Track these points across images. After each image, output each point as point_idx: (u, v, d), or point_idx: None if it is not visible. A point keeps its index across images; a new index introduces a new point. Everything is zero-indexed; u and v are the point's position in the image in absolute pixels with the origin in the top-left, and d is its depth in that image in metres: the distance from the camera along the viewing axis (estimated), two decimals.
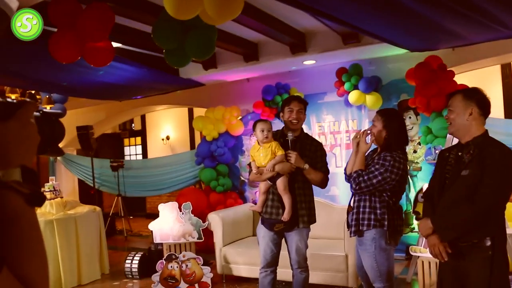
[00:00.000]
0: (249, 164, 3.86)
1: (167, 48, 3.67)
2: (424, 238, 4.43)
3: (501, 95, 7.46)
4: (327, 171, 3.75)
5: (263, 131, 3.64)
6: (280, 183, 3.57)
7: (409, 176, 6.26)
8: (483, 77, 7.19)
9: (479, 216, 2.45)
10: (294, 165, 3.54)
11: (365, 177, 3.16)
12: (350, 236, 3.38)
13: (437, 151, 5.39)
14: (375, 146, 3.45)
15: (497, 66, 7.41)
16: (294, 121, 3.64)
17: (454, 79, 5.68)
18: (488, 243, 2.45)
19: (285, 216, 3.54)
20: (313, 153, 3.70)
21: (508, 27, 4.81)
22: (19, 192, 0.84)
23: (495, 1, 3.94)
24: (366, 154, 3.41)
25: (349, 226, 3.39)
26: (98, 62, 4.03)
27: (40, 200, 0.87)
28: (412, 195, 6.06)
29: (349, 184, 3.40)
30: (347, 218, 3.46)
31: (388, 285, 3.25)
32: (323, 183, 3.73)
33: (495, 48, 5.99)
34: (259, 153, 3.66)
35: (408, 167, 6.16)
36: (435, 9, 4.04)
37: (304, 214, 3.63)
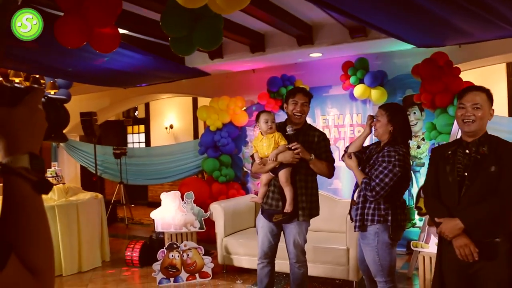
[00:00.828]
0: (252, 156, 3.85)
1: (175, 36, 3.64)
2: (425, 234, 4.44)
3: (505, 94, 7.42)
4: (332, 161, 3.73)
5: (267, 122, 3.63)
6: (282, 174, 3.57)
7: (412, 172, 6.26)
8: (489, 75, 7.15)
9: (507, 211, 2.45)
10: (299, 156, 3.53)
11: (377, 180, 3.13)
12: (355, 231, 3.38)
13: None
14: (376, 140, 3.44)
15: (503, 65, 7.37)
16: (298, 114, 3.62)
17: (460, 76, 5.65)
18: (502, 239, 2.47)
19: (287, 207, 3.54)
20: (317, 144, 3.68)
21: None
22: (26, 178, 0.84)
23: None
24: (368, 147, 3.43)
25: (353, 220, 3.39)
26: (104, 48, 4.00)
27: (48, 187, 0.87)
28: (414, 190, 6.06)
29: (352, 177, 3.41)
30: (350, 211, 3.46)
31: (389, 280, 3.26)
32: (330, 173, 3.72)
33: (501, 46, 5.95)
34: (262, 143, 3.66)
35: (412, 163, 6.18)
36: (444, 6, 4.01)
37: (305, 207, 3.62)
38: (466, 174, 2.57)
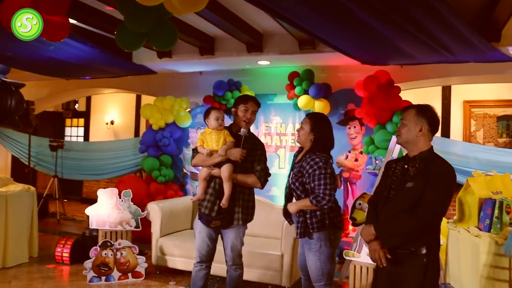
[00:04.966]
0: (195, 149, 3.86)
1: (136, 31, 3.57)
2: (358, 244, 4.60)
3: (439, 114, 7.83)
4: (266, 172, 3.76)
5: (217, 119, 3.70)
6: (225, 169, 3.61)
7: (348, 183, 6.46)
8: (426, 95, 7.53)
9: (420, 227, 2.59)
10: (244, 155, 3.62)
11: (322, 188, 3.22)
12: (296, 237, 3.46)
13: (377, 161, 5.59)
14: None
15: (439, 87, 7.80)
16: (247, 120, 3.70)
17: (400, 94, 5.92)
18: (424, 251, 2.62)
19: (224, 202, 3.59)
20: (253, 151, 3.75)
21: (452, 53, 5.11)
22: None
23: (442, 27, 4.17)
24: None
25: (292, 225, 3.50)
26: (53, 37, 3.87)
27: None
28: (350, 201, 6.25)
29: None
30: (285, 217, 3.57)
31: (328, 283, 3.36)
32: (259, 185, 3.74)
33: (439, 70, 6.34)
34: (211, 136, 3.70)
35: (348, 174, 6.38)
36: (390, 27, 4.21)
37: (240, 212, 3.68)
38: (393, 187, 2.76)
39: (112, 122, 11.02)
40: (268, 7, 3.93)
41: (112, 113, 11.10)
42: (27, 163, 8.67)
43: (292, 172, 3.48)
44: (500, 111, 7.63)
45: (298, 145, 3.60)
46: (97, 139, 10.83)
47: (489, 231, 3.22)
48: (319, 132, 3.40)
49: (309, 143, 3.42)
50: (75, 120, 12.06)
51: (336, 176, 3.40)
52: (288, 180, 3.55)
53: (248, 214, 3.77)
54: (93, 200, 5.44)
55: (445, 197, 2.60)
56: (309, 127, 3.42)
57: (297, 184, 3.37)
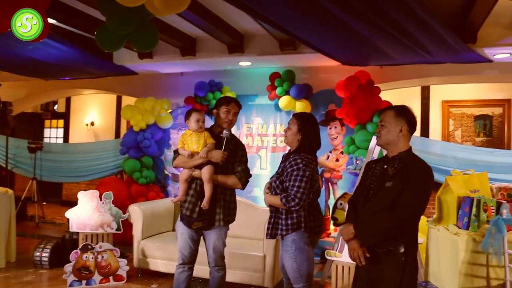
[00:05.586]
0: (176, 150, 3.85)
1: (119, 32, 3.54)
2: (339, 243, 4.64)
3: (418, 114, 7.94)
4: (247, 173, 3.79)
5: (198, 121, 3.70)
6: (206, 171, 3.62)
7: (329, 183, 6.51)
8: (405, 96, 7.64)
9: (398, 226, 2.63)
10: (225, 157, 3.63)
11: (294, 189, 3.22)
12: (266, 238, 3.47)
13: (358, 161, 5.65)
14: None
15: (418, 88, 7.92)
16: (229, 122, 3.72)
17: (380, 95, 5.99)
18: (402, 250, 2.66)
19: (204, 204, 3.59)
20: (234, 152, 3.76)
21: (430, 54, 5.20)
22: None
23: (420, 28, 4.24)
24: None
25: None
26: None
27: None
28: (331, 201, 6.30)
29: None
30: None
31: (307, 285, 3.37)
32: (239, 186, 3.76)
33: (418, 71, 6.44)
34: (191, 138, 3.70)
35: (330, 174, 6.43)
36: (369, 27, 4.25)
37: (222, 213, 3.69)
38: (372, 186, 2.80)
39: (92, 123, 10.91)
40: (249, 8, 3.95)
41: (92, 114, 10.99)
42: (4, 166, 8.52)
43: (276, 173, 3.50)
44: (477, 111, 7.78)
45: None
46: (77, 140, 10.72)
47: (467, 229, 3.28)
48: (306, 133, 3.41)
49: (296, 143, 3.43)
50: (54, 121, 11.89)
51: (316, 179, 3.39)
52: (271, 178, 3.55)
53: (230, 215, 3.78)
54: (73, 203, 5.37)
55: (423, 197, 2.65)
56: (296, 127, 3.43)
57: (277, 182, 3.38)
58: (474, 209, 3.28)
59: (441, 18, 4.19)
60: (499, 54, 5.57)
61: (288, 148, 3.58)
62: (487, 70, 6.10)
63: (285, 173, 3.32)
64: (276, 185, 3.39)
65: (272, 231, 3.38)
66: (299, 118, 3.50)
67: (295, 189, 3.22)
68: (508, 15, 5.07)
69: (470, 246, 3.16)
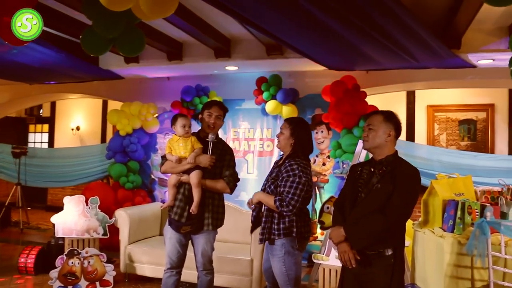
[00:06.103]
0: (163, 156, 3.85)
1: (105, 36, 3.52)
2: (326, 247, 4.66)
3: (404, 119, 8.02)
4: (235, 177, 3.81)
5: (184, 126, 3.71)
6: (194, 176, 3.62)
7: (316, 187, 6.54)
8: (391, 100, 7.71)
9: (389, 228, 2.67)
10: (214, 161, 3.64)
11: (290, 195, 3.23)
12: (259, 243, 3.47)
13: (344, 165, 5.68)
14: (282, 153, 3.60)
15: (403, 92, 8.00)
16: (211, 125, 3.72)
17: (366, 99, 6.04)
18: (390, 252, 2.70)
19: (193, 208, 3.60)
20: (222, 156, 3.77)
21: (416, 59, 5.27)
22: None
23: (405, 34, 4.29)
24: (277, 162, 3.57)
25: (253, 229, 3.49)
26: (15, 41, 3.77)
27: None
28: (318, 205, 6.33)
29: (258, 189, 3.54)
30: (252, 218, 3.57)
31: None
32: (228, 190, 3.77)
33: (403, 76, 6.51)
34: (178, 143, 3.71)
35: (316, 179, 6.46)
36: (354, 32, 4.30)
37: (210, 218, 3.69)
38: (360, 189, 2.83)
39: (78, 128, 10.82)
40: (234, 12, 3.96)
41: (78, 118, 10.90)
42: None
43: (269, 176, 3.50)
44: (462, 115, 7.88)
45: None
46: (62, 145, 10.61)
47: (452, 231, 3.32)
48: (298, 137, 3.44)
49: (289, 147, 3.45)
50: (39, 126, 11.77)
51: (311, 184, 3.41)
52: (264, 183, 3.56)
53: (218, 220, 3.78)
54: (58, 208, 5.32)
55: (411, 200, 2.70)
56: (289, 132, 3.46)
57: (272, 187, 3.39)
58: (459, 212, 3.32)
59: (426, 24, 4.26)
60: (483, 60, 5.66)
61: (280, 152, 3.60)
62: (471, 75, 6.19)
63: (280, 178, 3.34)
64: (271, 189, 3.39)
65: (265, 236, 3.37)
66: (291, 122, 3.53)
67: (290, 196, 3.23)
68: (491, 22, 5.16)
69: (455, 248, 3.19)
